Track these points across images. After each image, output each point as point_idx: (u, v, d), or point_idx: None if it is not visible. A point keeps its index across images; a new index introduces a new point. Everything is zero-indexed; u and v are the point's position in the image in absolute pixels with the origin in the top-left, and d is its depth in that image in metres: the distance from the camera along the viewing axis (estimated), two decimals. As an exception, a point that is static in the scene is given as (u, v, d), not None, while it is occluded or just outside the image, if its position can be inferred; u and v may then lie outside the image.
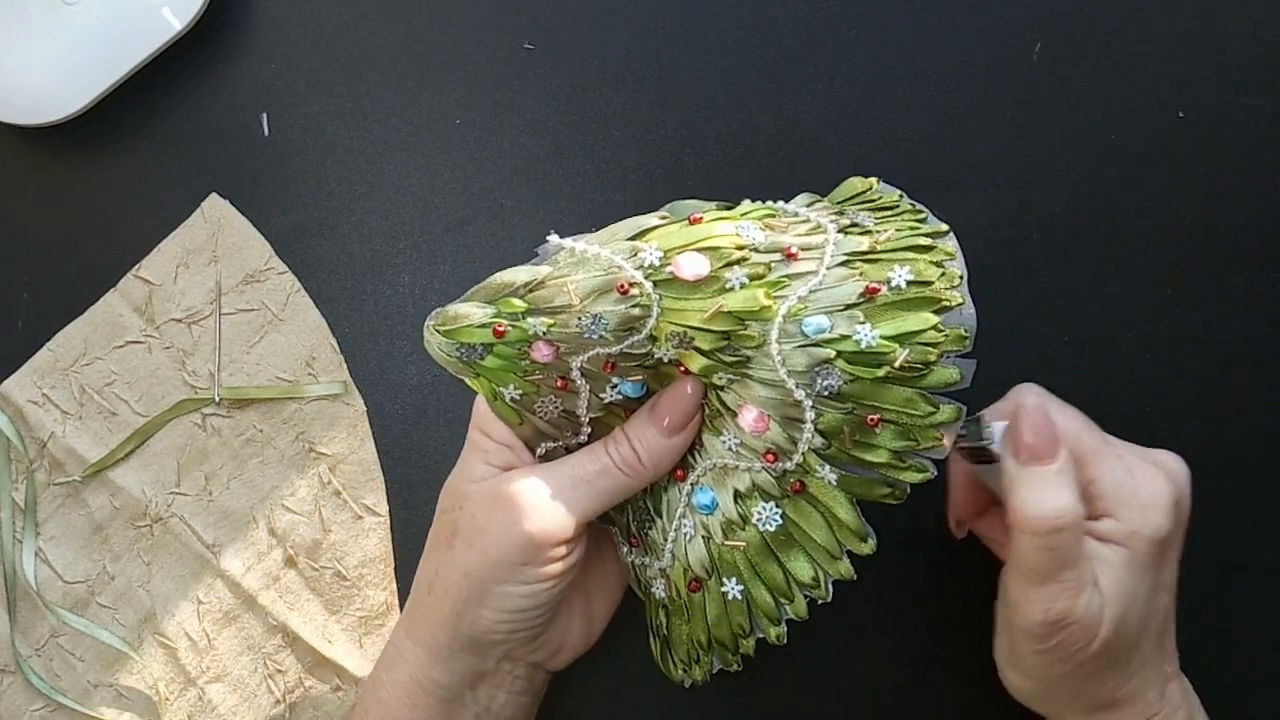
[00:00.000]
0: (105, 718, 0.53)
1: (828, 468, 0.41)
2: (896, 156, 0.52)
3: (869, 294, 0.39)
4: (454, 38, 0.54)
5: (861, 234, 0.41)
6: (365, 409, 0.53)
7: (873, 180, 0.45)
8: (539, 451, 0.44)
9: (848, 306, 0.39)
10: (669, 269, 0.40)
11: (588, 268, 0.40)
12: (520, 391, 0.42)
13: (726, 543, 0.42)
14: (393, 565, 0.52)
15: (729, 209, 0.42)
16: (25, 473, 0.54)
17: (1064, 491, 0.39)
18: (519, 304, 0.40)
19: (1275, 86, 0.51)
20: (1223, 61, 0.51)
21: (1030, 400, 0.40)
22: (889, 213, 0.43)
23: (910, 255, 0.40)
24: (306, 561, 0.53)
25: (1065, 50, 0.52)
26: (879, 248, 0.41)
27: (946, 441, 0.40)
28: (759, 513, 0.42)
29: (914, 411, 0.39)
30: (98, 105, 0.54)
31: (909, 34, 0.52)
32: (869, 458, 0.40)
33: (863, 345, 0.39)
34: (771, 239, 0.41)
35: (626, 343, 0.41)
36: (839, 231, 0.41)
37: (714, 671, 0.45)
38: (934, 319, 0.39)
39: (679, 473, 0.44)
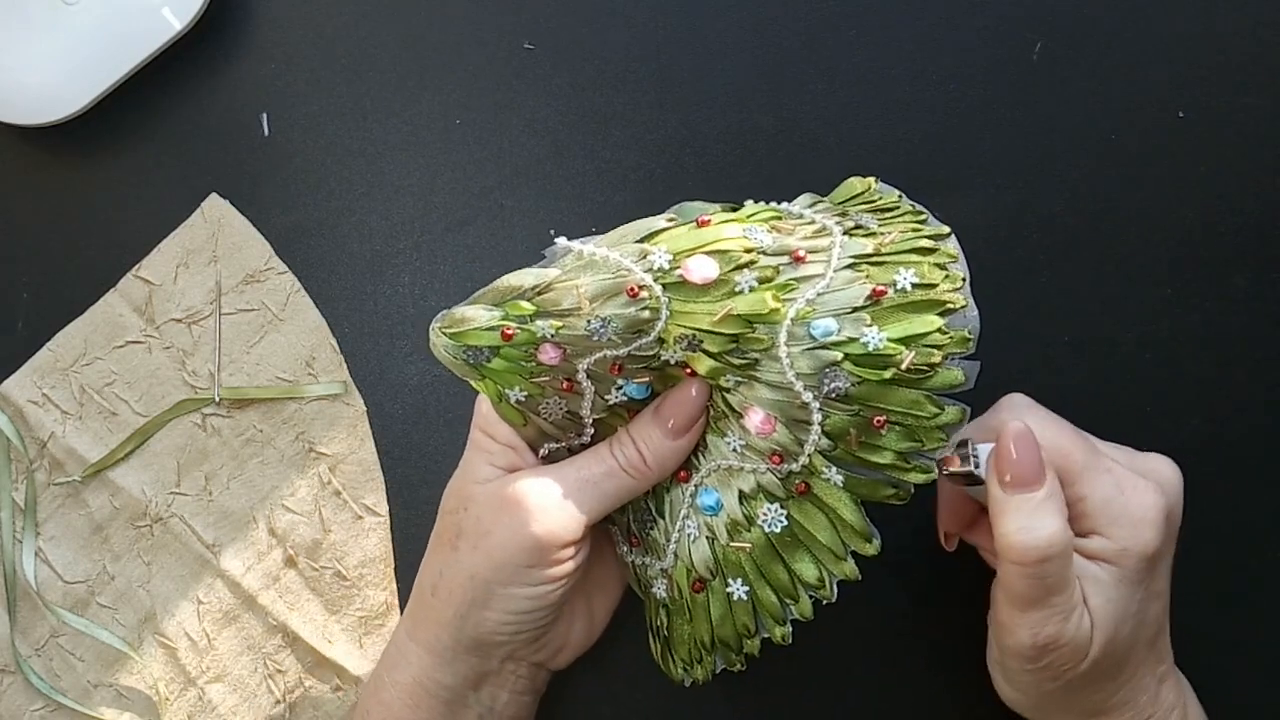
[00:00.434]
0: (105, 718, 0.53)
1: (834, 469, 0.41)
2: (896, 156, 0.52)
3: (875, 297, 0.39)
4: (454, 38, 0.54)
5: (866, 236, 0.41)
6: (365, 409, 0.53)
7: (871, 180, 0.45)
8: (542, 452, 0.44)
9: (854, 309, 0.39)
10: (678, 272, 0.40)
11: (596, 270, 0.40)
12: (525, 393, 0.42)
13: (732, 544, 0.42)
14: (393, 565, 0.52)
15: (735, 210, 0.42)
16: (25, 473, 0.54)
17: (1051, 519, 0.38)
18: (527, 306, 0.40)
19: (1275, 86, 0.51)
20: (1223, 61, 0.51)
21: (1015, 425, 0.39)
22: (890, 214, 0.43)
23: (914, 258, 0.40)
24: (306, 561, 0.53)
25: (1065, 50, 0.52)
26: (883, 250, 0.41)
27: (941, 467, 0.41)
28: (764, 514, 0.42)
29: (919, 413, 0.40)
30: (98, 105, 0.54)
31: (909, 34, 0.52)
32: (874, 459, 0.40)
33: (870, 348, 0.39)
34: (779, 242, 0.41)
35: (634, 345, 0.41)
36: (844, 234, 0.41)
37: (717, 671, 0.45)
38: (939, 321, 0.39)
39: (682, 474, 0.44)
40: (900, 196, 0.45)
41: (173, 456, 0.54)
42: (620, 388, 0.43)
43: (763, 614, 0.43)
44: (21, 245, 0.55)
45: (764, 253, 0.40)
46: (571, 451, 0.45)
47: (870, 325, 0.39)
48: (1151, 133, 0.51)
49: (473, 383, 0.43)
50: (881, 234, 0.41)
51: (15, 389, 0.54)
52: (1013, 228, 0.51)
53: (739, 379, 0.41)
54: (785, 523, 0.42)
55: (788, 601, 0.43)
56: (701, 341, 0.40)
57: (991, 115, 0.52)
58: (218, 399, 0.53)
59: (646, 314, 0.40)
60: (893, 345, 0.39)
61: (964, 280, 0.41)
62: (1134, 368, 0.50)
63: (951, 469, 0.40)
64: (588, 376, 0.42)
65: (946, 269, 0.40)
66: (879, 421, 0.40)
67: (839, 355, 0.39)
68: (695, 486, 0.43)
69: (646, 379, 0.43)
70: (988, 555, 0.46)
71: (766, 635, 0.43)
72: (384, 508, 0.53)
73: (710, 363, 0.41)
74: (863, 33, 0.53)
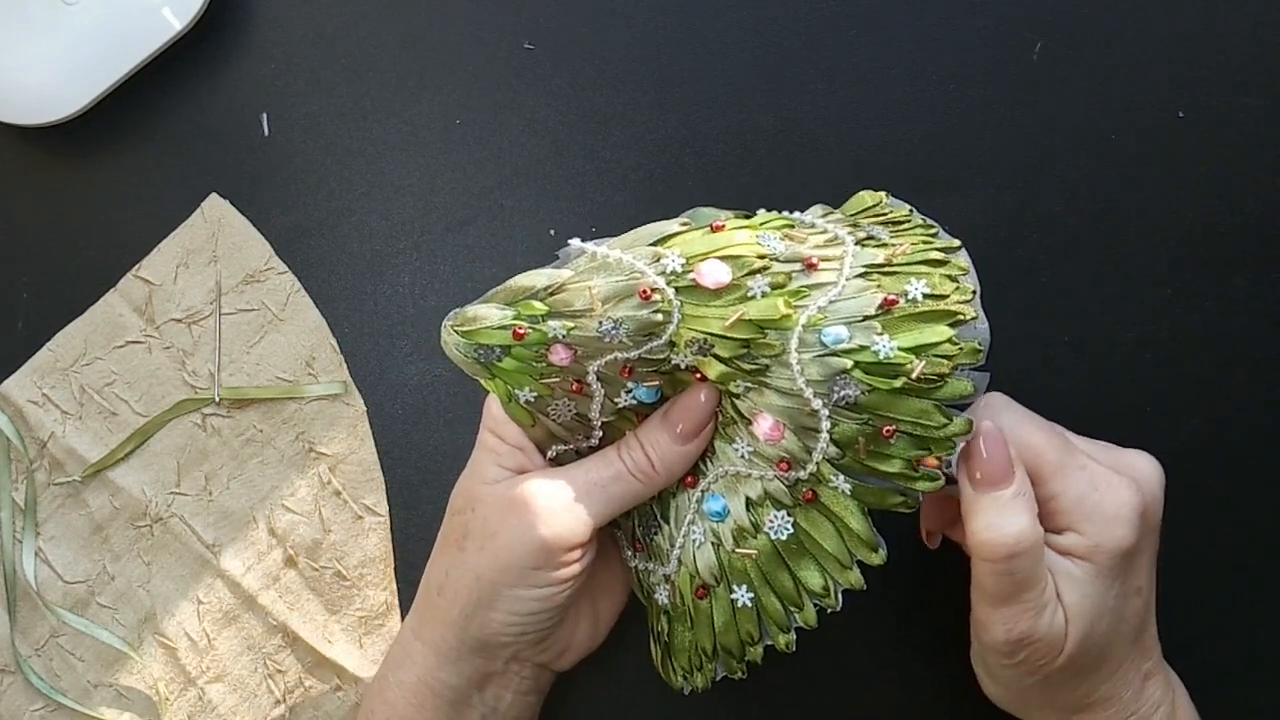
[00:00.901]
0: (105, 718, 0.53)
1: (841, 477, 0.41)
2: (896, 156, 0.52)
3: (887, 306, 0.40)
4: (454, 38, 0.54)
5: (877, 247, 0.42)
6: (365, 409, 0.53)
7: (882, 194, 0.46)
8: (550, 454, 0.44)
9: (866, 318, 0.39)
10: (691, 276, 0.40)
11: (609, 272, 0.40)
12: (535, 394, 0.42)
13: (738, 550, 0.42)
14: (393, 565, 0.52)
15: (748, 217, 0.42)
16: (25, 473, 0.54)
17: (1020, 516, 0.39)
18: (539, 307, 0.40)
19: (1275, 86, 0.51)
20: (1223, 61, 0.51)
21: (985, 424, 0.40)
22: (902, 227, 0.44)
23: (925, 269, 0.41)
24: (306, 561, 0.53)
25: (1065, 50, 0.52)
26: (895, 260, 0.41)
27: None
28: (771, 521, 0.42)
29: (928, 423, 0.40)
30: (98, 105, 0.54)
31: (909, 34, 0.52)
32: (883, 467, 0.41)
33: (880, 356, 0.39)
34: (792, 249, 0.41)
35: (645, 347, 0.41)
36: (856, 244, 0.42)
37: (717, 679, 0.45)
38: (949, 332, 0.40)
39: (689, 479, 0.44)
40: (911, 211, 0.45)
41: (173, 456, 0.54)
42: (630, 391, 0.42)
43: (767, 621, 0.43)
44: (21, 245, 0.55)
45: (777, 259, 0.40)
46: (579, 454, 0.45)
47: (881, 334, 0.39)
48: (1151, 133, 0.51)
49: (482, 382, 0.43)
50: (893, 245, 0.42)
51: (15, 389, 0.54)
52: (1013, 228, 0.51)
53: (749, 385, 0.41)
54: (792, 530, 0.42)
55: (792, 609, 0.43)
56: (713, 346, 0.40)
57: (991, 115, 0.52)
58: (218, 399, 0.53)
59: (659, 317, 0.40)
60: (903, 354, 0.39)
61: (974, 293, 0.41)
62: (1134, 368, 0.50)
63: (927, 468, 0.40)
64: (598, 379, 0.42)
65: (957, 281, 0.41)
66: (888, 431, 0.40)
67: (849, 363, 0.39)
68: (702, 492, 0.43)
69: (656, 383, 0.43)
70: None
71: (769, 643, 0.43)
72: (384, 508, 0.53)
73: (720, 367, 0.41)
74: (863, 33, 0.53)
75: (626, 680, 0.51)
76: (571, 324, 0.40)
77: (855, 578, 0.42)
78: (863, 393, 0.39)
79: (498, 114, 0.54)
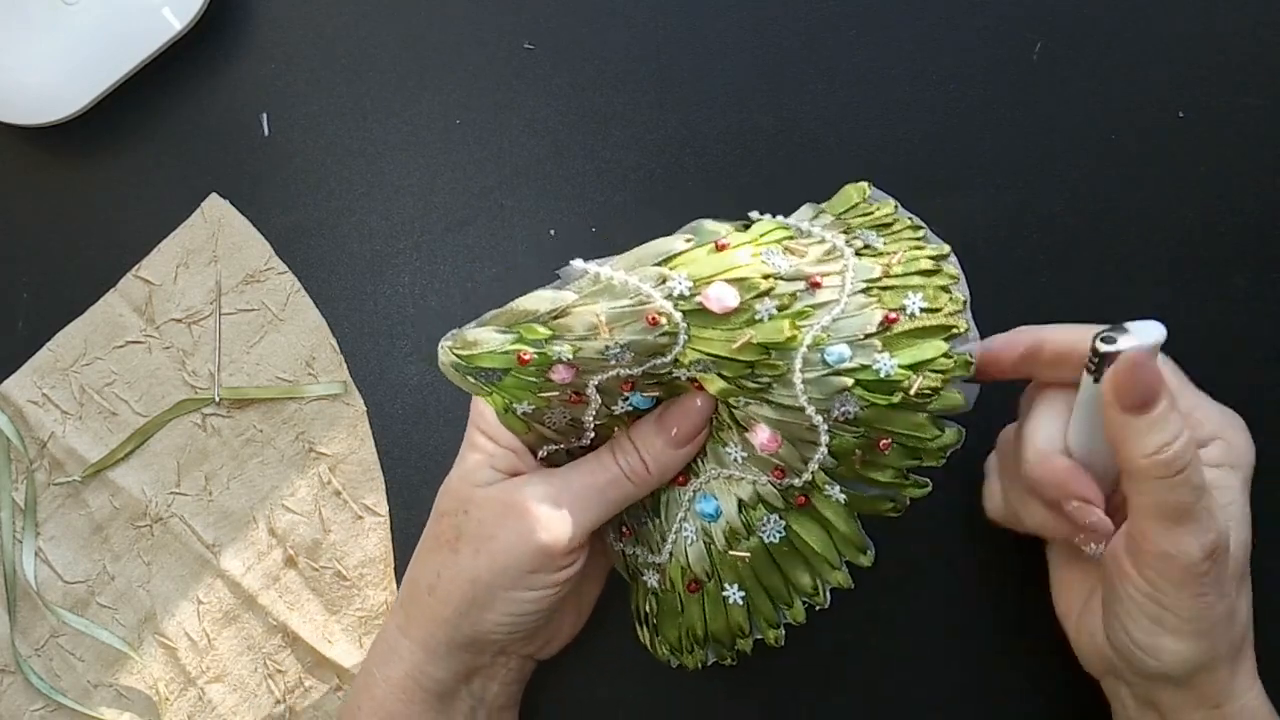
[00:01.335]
0: (105, 718, 0.53)
1: (836, 486, 0.42)
2: (896, 156, 0.52)
3: (887, 323, 0.40)
4: (454, 38, 0.54)
5: (874, 257, 0.42)
6: (365, 409, 0.53)
7: (864, 185, 0.45)
8: (540, 454, 0.44)
9: (867, 335, 0.40)
10: (698, 299, 0.39)
11: (614, 295, 0.40)
12: (532, 406, 0.42)
13: (731, 552, 0.43)
14: (392, 565, 0.52)
15: (746, 227, 0.42)
16: (25, 473, 0.54)
17: (1178, 424, 0.38)
18: (542, 331, 0.40)
19: (1275, 86, 0.51)
20: (1223, 61, 0.51)
21: (1130, 354, 0.38)
22: (891, 229, 0.44)
23: (920, 280, 0.41)
24: (306, 561, 0.53)
25: (1065, 50, 0.52)
26: (892, 272, 0.41)
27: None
28: (763, 523, 0.42)
29: (922, 434, 0.40)
30: (98, 105, 0.54)
31: (909, 34, 0.52)
32: (877, 476, 0.41)
33: (881, 374, 0.39)
34: (795, 266, 0.41)
35: (648, 365, 0.41)
36: (854, 255, 0.42)
37: (708, 664, 0.45)
38: (944, 346, 0.40)
39: (680, 477, 0.44)
40: (895, 206, 0.45)
41: (173, 456, 0.54)
42: (627, 399, 0.43)
43: (757, 617, 0.44)
44: (21, 245, 0.55)
45: (781, 278, 0.40)
46: (570, 454, 0.45)
47: (882, 351, 0.40)
48: (1151, 133, 0.51)
49: (479, 395, 0.43)
50: (888, 254, 0.42)
51: (15, 389, 0.54)
52: (1013, 228, 0.51)
53: (749, 399, 0.41)
54: (784, 533, 0.43)
55: (782, 607, 0.44)
56: (717, 365, 0.40)
57: (991, 115, 0.52)
58: (218, 399, 0.53)
59: (665, 340, 0.40)
60: (902, 371, 0.39)
61: (965, 302, 0.41)
62: (1134, 368, 0.50)
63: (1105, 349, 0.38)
64: (597, 390, 0.42)
65: (950, 291, 0.41)
66: (884, 443, 0.41)
67: (850, 381, 0.39)
68: (694, 491, 0.44)
69: (655, 393, 0.43)
70: (1043, 528, 0.44)
71: (759, 636, 0.44)
72: (384, 508, 0.53)
73: (722, 384, 0.41)
74: (863, 33, 0.53)
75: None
76: (575, 346, 0.40)
77: (844, 577, 0.43)
78: (861, 408, 0.40)
79: (498, 114, 0.54)
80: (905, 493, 0.42)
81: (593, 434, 0.44)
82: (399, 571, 0.52)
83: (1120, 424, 0.39)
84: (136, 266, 0.54)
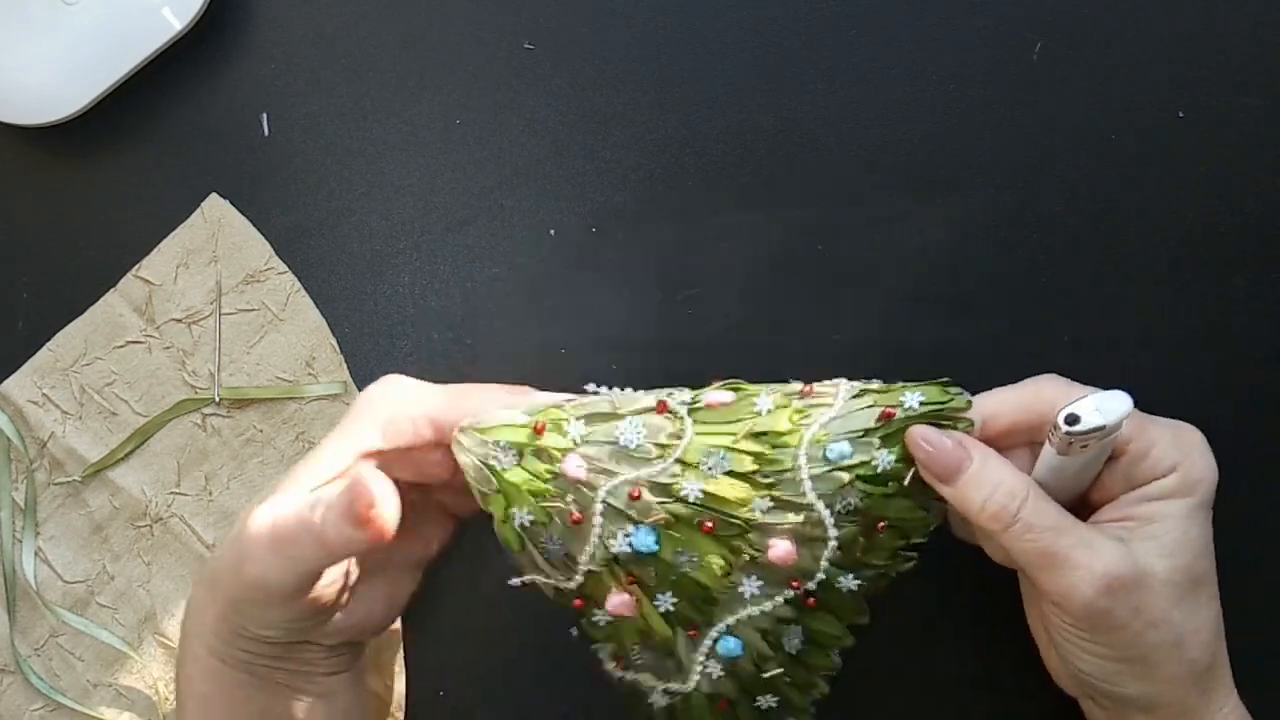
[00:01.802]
0: (105, 718, 0.53)
1: (849, 576, 0.43)
2: (896, 156, 0.52)
3: (884, 419, 0.42)
4: (454, 38, 0.54)
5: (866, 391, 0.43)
6: (365, 409, 0.53)
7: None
8: (515, 582, 0.43)
9: (866, 431, 0.42)
10: (702, 401, 0.42)
11: (627, 401, 0.43)
12: (532, 518, 0.41)
13: (764, 675, 0.43)
14: (393, 565, 0.52)
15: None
16: (25, 473, 0.54)
17: (996, 472, 0.40)
18: (560, 412, 0.42)
19: (1275, 86, 0.51)
20: (1223, 61, 0.51)
21: (914, 429, 0.41)
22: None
23: (919, 379, 0.43)
24: (306, 561, 0.53)
25: (1065, 50, 0.52)
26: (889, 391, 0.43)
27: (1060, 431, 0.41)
28: (788, 639, 0.44)
29: (910, 517, 0.43)
30: (98, 105, 0.54)
31: (909, 34, 0.52)
32: (874, 560, 0.43)
33: (879, 469, 0.42)
34: (786, 387, 0.43)
35: (657, 467, 0.41)
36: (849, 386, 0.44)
37: None
38: None
39: (692, 631, 0.43)
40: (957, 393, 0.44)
41: (173, 456, 0.54)
42: (629, 535, 0.41)
43: (792, 710, 0.45)
44: (21, 245, 0.55)
45: (773, 391, 0.43)
46: (556, 593, 0.43)
47: (880, 448, 0.42)
48: (1151, 133, 0.51)
49: (482, 498, 0.42)
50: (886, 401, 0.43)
51: (15, 389, 0.54)
52: (1013, 228, 0.51)
53: (770, 504, 0.42)
54: (806, 639, 0.44)
55: (810, 691, 0.45)
56: (723, 464, 0.41)
57: (991, 115, 0.52)
58: (218, 399, 0.53)
59: (671, 426, 0.42)
60: (899, 465, 0.42)
61: (968, 401, 0.43)
62: (1134, 368, 0.50)
63: (1074, 433, 0.40)
64: (603, 508, 0.41)
65: (950, 390, 0.43)
66: (880, 527, 0.42)
67: (849, 477, 0.42)
68: (711, 641, 0.43)
69: (660, 522, 0.41)
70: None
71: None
72: (384, 508, 0.53)
73: (741, 488, 0.41)
74: (863, 33, 0.53)
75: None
76: (590, 428, 0.42)
77: (849, 642, 0.45)
78: (860, 499, 0.42)
79: (498, 114, 0.54)
80: (901, 569, 0.44)
81: (581, 579, 0.42)
82: (399, 571, 0.52)
83: (949, 494, 0.41)
84: (136, 266, 0.54)
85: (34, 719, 0.53)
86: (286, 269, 0.54)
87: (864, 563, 0.43)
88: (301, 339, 0.54)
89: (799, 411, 0.42)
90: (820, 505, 0.41)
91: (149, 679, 0.53)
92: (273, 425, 0.54)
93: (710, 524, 0.41)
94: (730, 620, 0.43)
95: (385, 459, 0.43)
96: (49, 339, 0.54)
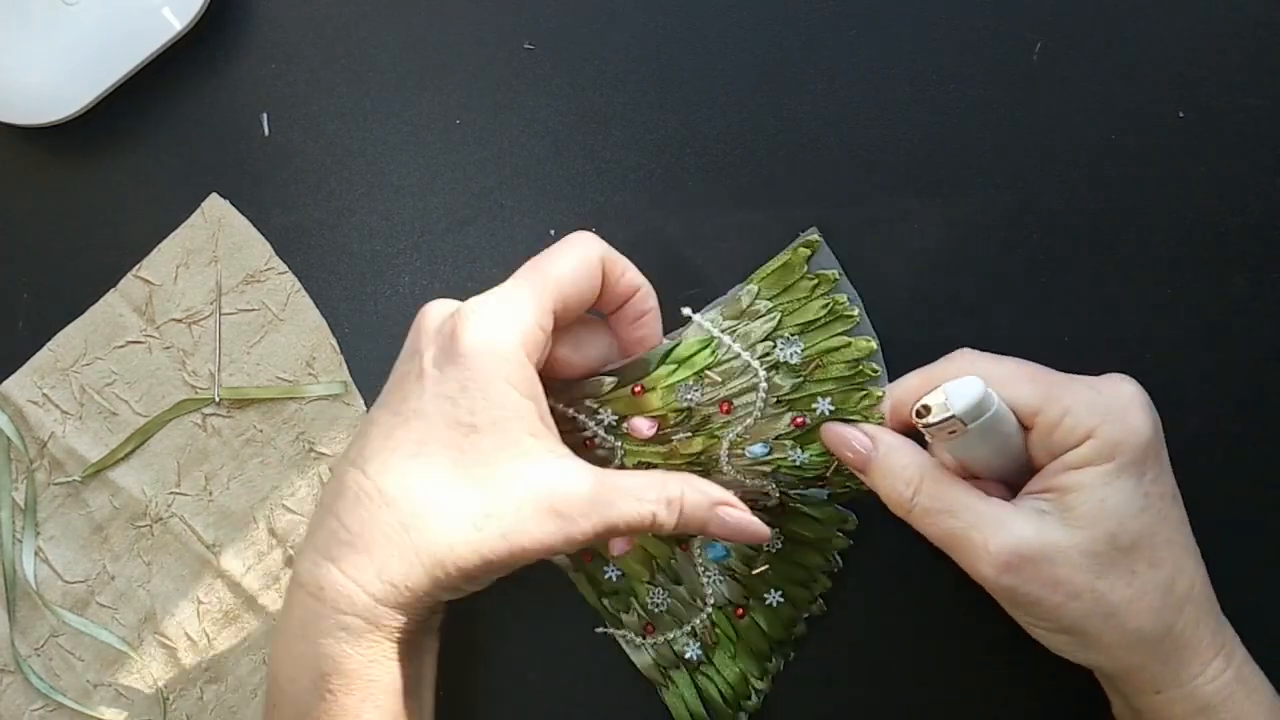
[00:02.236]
0: (105, 718, 0.53)
1: (799, 451, 0.47)
2: (896, 156, 0.52)
3: (796, 425, 0.47)
4: (454, 38, 0.54)
5: (789, 371, 0.47)
6: (365, 409, 0.53)
7: (806, 250, 0.48)
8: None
9: (777, 437, 0.47)
10: (625, 427, 0.47)
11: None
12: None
13: (754, 572, 0.50)
14: (393, 565, 0.52)
15: (673, 349, 0.47)
16: (25, 473, 0.54)
17: (900, 457, 0.43)
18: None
19: (1275, 86, 0.51)
20: (1223, 61, 0.51)
21: (828, 427, 0.45)
22: (819, 324, 0.47)
23: (832, 386, 0.47)
24: (306, 561, 0.53)
25: (1065, 50, 0.52)
26: (808, 380, 0.47)
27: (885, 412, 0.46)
28: (765, 542, 0.48)
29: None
30: (98, 105, 0.54)
31: (909, 34, 0.52)
32: (838, 480, 0.48)
33: (797, 463, 0.47)
34: (709, 395, 0.47)
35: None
36: (766, 377, 0.47)
37: (780, 672, 0.51)
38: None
39: (682, 545, 0.50)
40: (837, 277, 0.48)
41: (173, 456, 0.54)
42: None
43: (799, 604, 0.50)
44: (21, 245, 0.55)
45: (693, 408, 0.47)
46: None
47: (794, 447, 0.47)
48: (1151, 133, 0.51)
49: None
50: (804, 367, 0.47)
51: (15, 389, 0.54)
52: (1013, 228, 0.51)
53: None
54: (782, 539, 0.50)
55: (810, 585, 0.50)
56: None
57: (991, 115, 0.52)
58: (218, 399, 0.53)
59: (602, 453, 0.47)
60: (817, 460, 0.47)
61: (880, 396, 0.46)
62: (1134, 368, 0.50)
63: (930, 422, 0.41)
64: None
65: (864, 388, 0.46)
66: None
67: (769, 469, 0.47)
68: (699, 547, 0.50)
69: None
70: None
71: (807, 614, 0.50)
72: (384, 508, 0.53)
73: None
74: (863, 33, 0.53)
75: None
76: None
77: (841, 541, 0.50)
78: (790, 475, 0.48)
79: (498, 114, 0.54)
80: (860, 487, 0.47)
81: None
82: (399, 571, 0.52)
83: (869, 484, 0.44)
84: (137, 266, 0.54)
85: (34, 719, 0.53)
86: (286, 269, 0.54)
87: (829, 480, 0.48)
88: (301, 339, 0.54)
89: (715, 431, 0.47)
90: (748, 480, 0.47)
91: (149, 679, 0.53)
92: (273, 425, 0.54)
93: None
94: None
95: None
96: (49, 339, 0.54)
